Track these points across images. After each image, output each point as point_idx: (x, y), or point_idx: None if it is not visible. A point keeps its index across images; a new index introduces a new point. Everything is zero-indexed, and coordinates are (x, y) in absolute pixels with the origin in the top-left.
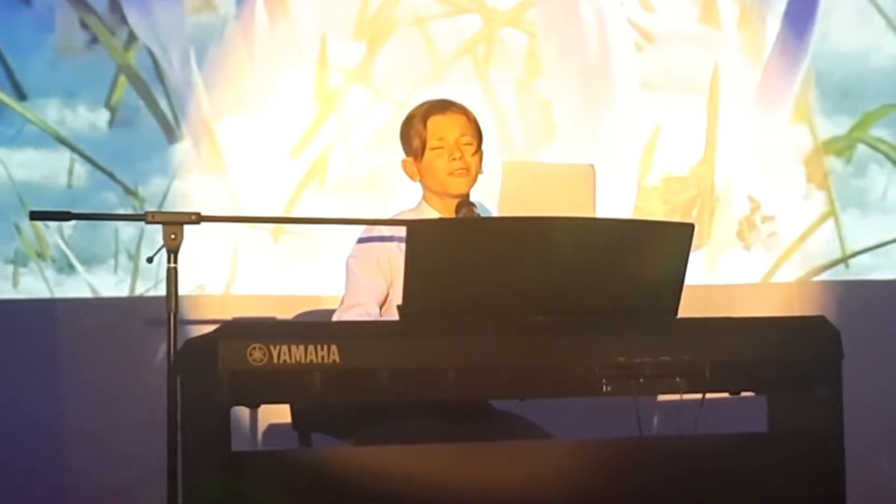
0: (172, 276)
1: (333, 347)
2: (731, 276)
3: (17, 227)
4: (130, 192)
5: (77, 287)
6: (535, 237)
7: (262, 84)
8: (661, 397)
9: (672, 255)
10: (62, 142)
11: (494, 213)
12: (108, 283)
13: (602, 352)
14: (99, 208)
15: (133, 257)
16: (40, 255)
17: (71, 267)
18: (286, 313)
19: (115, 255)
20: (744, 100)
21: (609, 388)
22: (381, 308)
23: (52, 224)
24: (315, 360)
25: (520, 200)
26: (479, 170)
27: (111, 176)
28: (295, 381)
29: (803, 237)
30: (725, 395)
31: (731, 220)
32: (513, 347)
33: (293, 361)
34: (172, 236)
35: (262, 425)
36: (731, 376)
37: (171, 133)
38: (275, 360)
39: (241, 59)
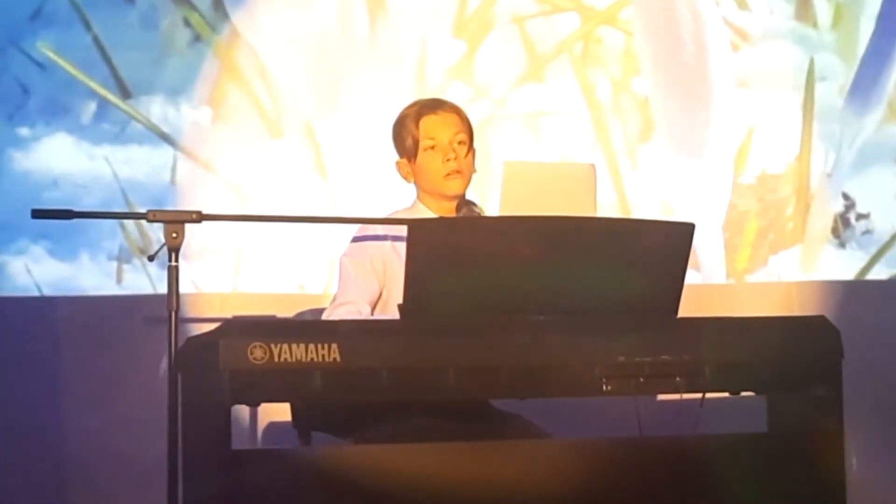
0: (174, 275)
1: (334, 346)
2: (826, 273)
3: (122, 224)
4: (233, 189)
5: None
6: (535, 237)
7: (363, 82)
8: (661, 397)
9: (672, 255)
10: (165, 139)
11: (494, 212)
12: (210, 279)
13: (602, 352)
14: (202, 204)
15: (236, 253)
16: (143, 252)
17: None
18: (286, 312)
19: (219, 252)
20: (838, 98)
21: (609, 388)
22: (373, 308)
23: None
24: (315, 359)
25: (520, 200)
26: (472, 169)
27: (214, 173)
28: (295, 380)
29: None
30: (725, 395)
31: (826, 217)
32: (513, 347)
33: (294, 360)
34: (174, 235)
35: (262, 424)
36: (731, 376)
37: (273, 131)
38: (275, 359)
39: (342, 57)
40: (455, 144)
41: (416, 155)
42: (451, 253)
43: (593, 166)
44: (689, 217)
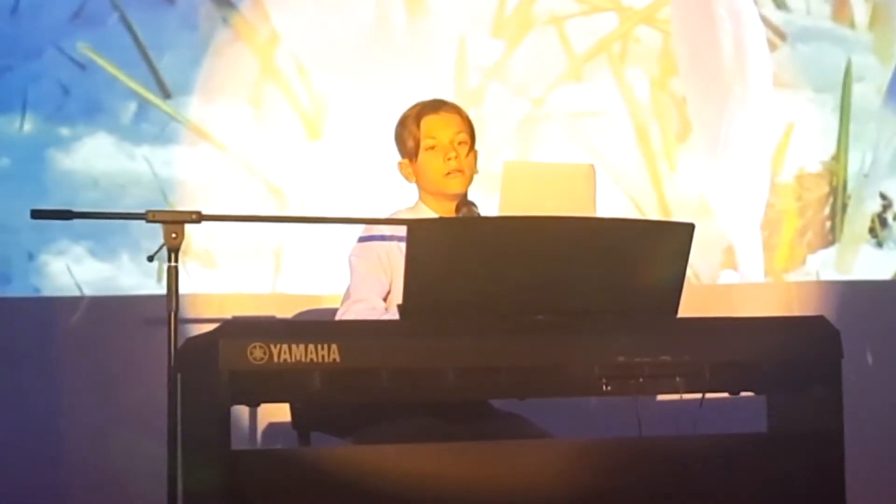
0: (173, 275)
1: (333, 347)
2: (863, 272)
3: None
4: (272, 190)
5: (220, 283)
6: (535, 237)
7: (402, 83)
8: (661, 397)
9: (672, 255)
10: (205, 139)
11: (494, 212)
12: (251, 279)
13: (602, 352)
14: (242, 204)
15: (275, 254)
16: (184, 252)
17: (214, 263)
18: (286, 312)
19: (258, 252)
20: (875, 98)
21: (609, 388)
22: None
23: None
24: (315, 360)
25: (520, 200)
26: (474, 169)
27: (253, 173)
28: (295, 381)
29: None
30: (725, 395)
31: (864, 217)
32: (513, 347)
33: (293, 360)
34: (173, 235)
35: (261, 424)
36: (731, 376)
37: (312, 131)
38: (275, 359)
39: (381, 58)
40: (456, 144)
41: (417, 155)
42: (451, 253)
43: (593, 166)
44: (728, 216)
